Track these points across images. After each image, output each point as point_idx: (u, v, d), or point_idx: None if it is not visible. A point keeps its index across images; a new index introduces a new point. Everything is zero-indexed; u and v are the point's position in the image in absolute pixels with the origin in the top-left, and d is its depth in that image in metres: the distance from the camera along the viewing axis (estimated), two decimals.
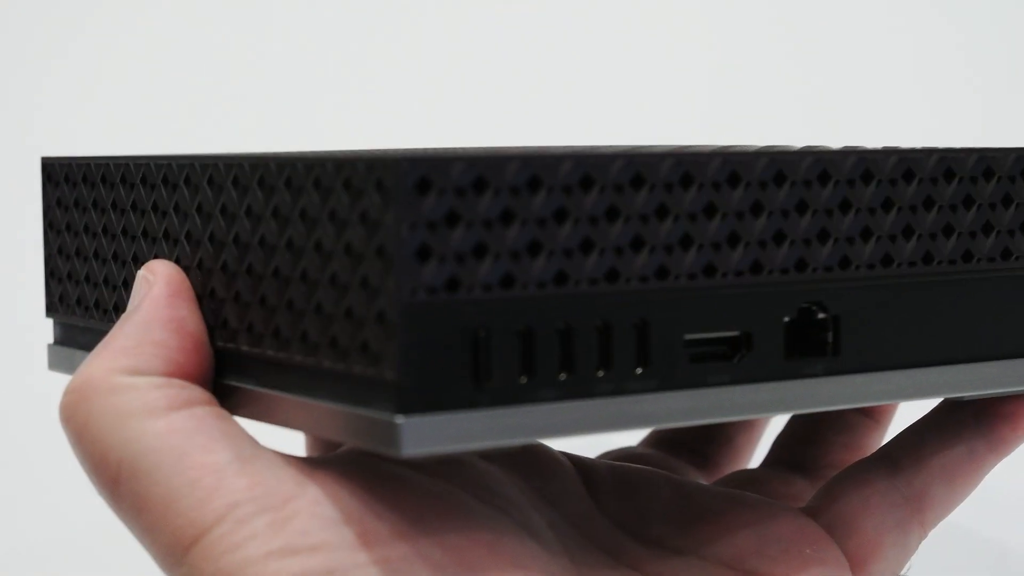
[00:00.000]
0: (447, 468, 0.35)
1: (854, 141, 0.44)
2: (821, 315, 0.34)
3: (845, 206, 0.34)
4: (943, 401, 0.39)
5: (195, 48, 0.66)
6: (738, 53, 0.67)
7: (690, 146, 0.36)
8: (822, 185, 0.34)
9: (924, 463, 0.38)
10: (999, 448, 0.38)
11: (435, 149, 0.40)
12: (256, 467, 0.32)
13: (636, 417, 0.32)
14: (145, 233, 0.37)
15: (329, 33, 0.66)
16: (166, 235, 0.36)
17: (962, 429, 0.38)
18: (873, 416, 0.43)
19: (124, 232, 0.37)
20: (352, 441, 0.31)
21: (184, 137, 0.65)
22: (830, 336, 0.34)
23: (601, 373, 0.31)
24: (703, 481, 0.43)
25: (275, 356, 0.33)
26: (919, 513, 0.38)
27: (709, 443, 0.45)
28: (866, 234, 0.34)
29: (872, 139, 0.48)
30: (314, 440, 0.43)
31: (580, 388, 0.31)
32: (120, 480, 0.32)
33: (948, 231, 0.35)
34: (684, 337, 0.32)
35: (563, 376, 0.31)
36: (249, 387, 0.34)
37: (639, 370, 0.32)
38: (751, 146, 0.35)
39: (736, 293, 0.33)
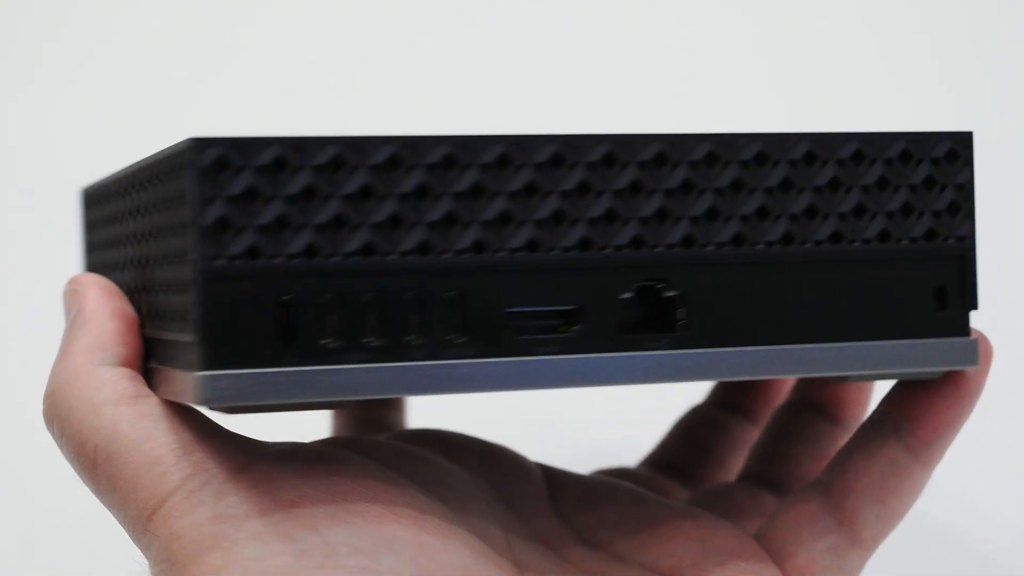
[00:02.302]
0: (401, 461, 0.38)
1: None
2: (667, 292, 0.35)
3: (687, 187, 0.35)
4: (867, 419, 0.39)
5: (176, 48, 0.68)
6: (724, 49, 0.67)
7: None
8: (658, 167, 0.35)
9: (851, 484, 0.38)
10: (922, 455, 0.38)
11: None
12: (208, 447, 0.35)
13: (450, 381, 0.34)
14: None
15: (319, 32, 0.68)
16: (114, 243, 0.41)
17: (883, 444, 0.38)
18: (840, 422, 0.43)
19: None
20: (185, 401, 0.34)
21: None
22: (673, 313, 0.35)
23: (417, 339, 0.34)
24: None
25: (161, 335, 0.36)
26: (853, 535, 0.38)
27: (700, 465, 0.46)
28: (712, 214, 0.35)
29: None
30: (343, 421, 0.47)
31: (393, 352, 0.33)
32: (97, 463, 0.36)
33: (810, 213, 0.36)
34: (508, 309, 0.34)
35: (374, 341, 0.33)
36: (153, 366, 0.37)
37: (459, 338, 0.34)
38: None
39: (567, 268, 0.35)
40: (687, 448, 0.46)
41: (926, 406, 0.38)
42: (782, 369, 0.36)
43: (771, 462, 0.44)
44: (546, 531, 0.39)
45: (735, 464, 0.46)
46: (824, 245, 0.36)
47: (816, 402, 0.43)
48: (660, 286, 0.35)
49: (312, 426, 0.44)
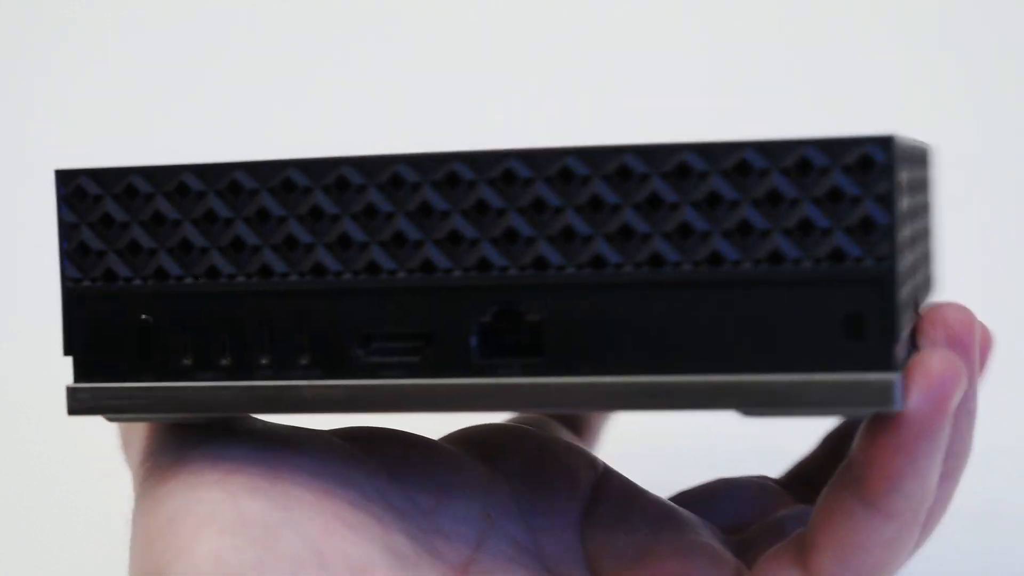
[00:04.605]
0: (374, 445, 0.38)
1: None
2: (523, 317, 0.33)
3: (539, 206, 0.33)
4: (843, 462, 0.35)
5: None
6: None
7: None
8: (507, 184, 0.33)
9: (815, 539, 0.35)
10: (882, 507, 0.33)
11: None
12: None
13: (295, 402, 0.34)
14: None
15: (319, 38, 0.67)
16: None
17: (840, 494, 0.34)
18: None
19: None
20: None
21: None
22: (529, 339, 0.33)
23: (265, 360, 0.34)
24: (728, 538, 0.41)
25: None
26: None
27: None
28: (568, 235, 0.33)
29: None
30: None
31: (242, 372, 0.35)
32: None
33: (683, 232, 0.32)
34: (355, 331, 0.34)
35: (225, 360, 0.35)
36: None
37: (303, 359, 0.34)
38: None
39: (412, 291, 0.34)
40: (827, 462, 0.42)
41: (874, 450, 0.33)
42: (647, 403, 0.33)
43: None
44: (553, 547, 0.38)
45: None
46: (702, 267, 0.33)
47: None
48: (514, 311, 0.33)
49: None
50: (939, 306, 0.36)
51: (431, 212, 0.34)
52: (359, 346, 0.34)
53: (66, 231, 0.35)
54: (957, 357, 0.33)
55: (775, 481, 0.42)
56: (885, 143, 0.32)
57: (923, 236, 0.39)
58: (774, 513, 0.40)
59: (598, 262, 0.33)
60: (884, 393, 0.32)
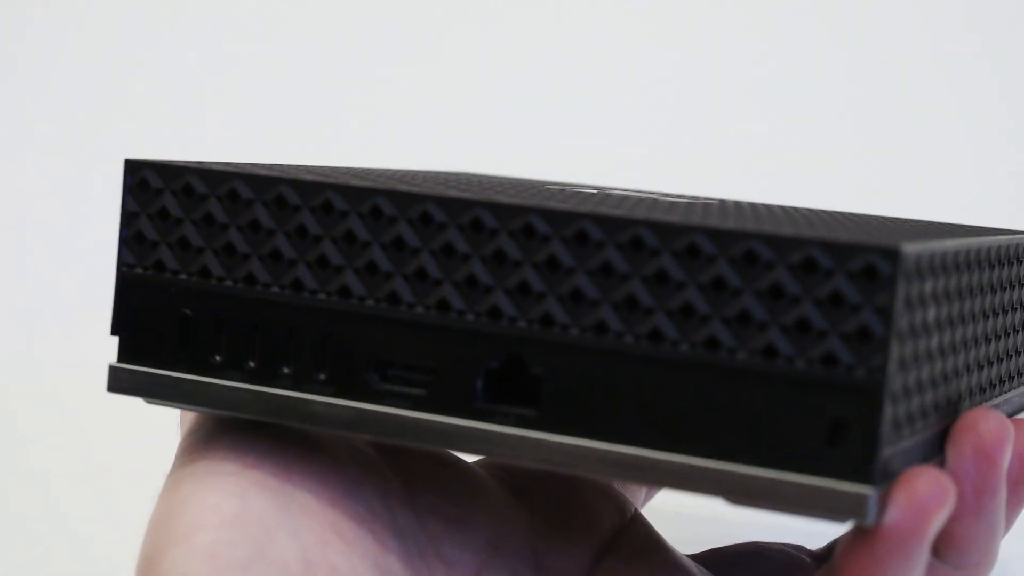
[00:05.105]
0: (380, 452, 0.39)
1: None
2: (530, 369, 0.34)
3: (552, 264, 0.33)
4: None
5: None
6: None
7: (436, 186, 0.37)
8: (527, 238, 0.34)
9: None
10: None
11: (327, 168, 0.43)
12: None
13: (305, 415, 0.35)
14: None
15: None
16: None
17: None
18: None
19: None
20: None
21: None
22: (531, 390, 0.34)
23: (287, 370, 0.36)
24: None
25: None
26: None
27: None
28: (577, 296, 0.33)
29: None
30: None
31: (265, 377, 0.36)
32: None
33: (686, 312, 0.32)
34: (369, 355, 0.35)
35: (252, 363, 0.36)
36: None
37: (321, 375, 0.35)
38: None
39: (427, 327, 0.34)
40: None
41: (850, 557, 0.33)
42: (634, 475, 0.33)
43: None
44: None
45: None
46: (698, 350, 0.32)
47: None
48: (519, 361, 0.34)
49: None
50: (980, 414, 0.35)
51: (453, 253, 0.34)
52: (373, 371, 0.35)
53: (127, 219, 0.37)
54: (948, 480, 0.32)
55: (810, 553, 0.42)
56: (891, 255, 0.31)
57: (982, 339, 0.38)
58: None
59: (601, 328, 0.33)
60: (857, 505, 0.31)
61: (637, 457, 0.33)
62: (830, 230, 0.34)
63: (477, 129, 0.71)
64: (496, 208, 0.34)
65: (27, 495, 0.65)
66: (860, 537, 0.32)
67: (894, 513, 0.32)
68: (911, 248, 0.32)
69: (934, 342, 0.34)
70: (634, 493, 0.44)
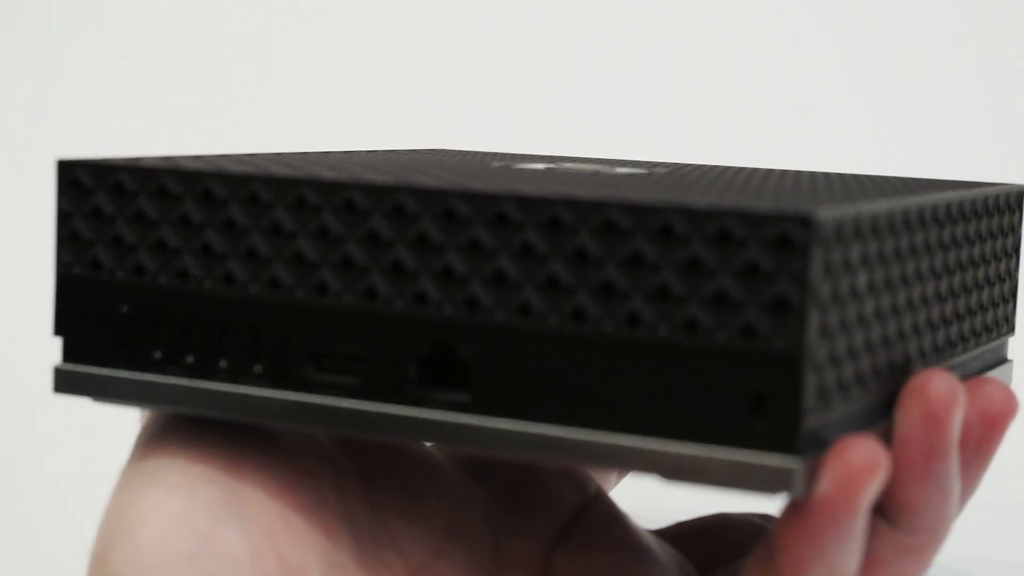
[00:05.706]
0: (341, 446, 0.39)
1: None
2: (458, 354, 0.33)
3: (474, 247, 0.33)
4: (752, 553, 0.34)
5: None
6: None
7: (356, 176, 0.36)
8: (448, 222, 0.33)
9: None
10: None
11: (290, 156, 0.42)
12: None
13: (244, 408, 0.35)
14: None
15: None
16: None
17: (750, 572, 0.33)
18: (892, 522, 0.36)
19: None
20: None
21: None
22: (461, 375, 0.34)
23: (224, 364, 0.36)
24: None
25: None
26: None
27: None
28: (501, 280, 0.33)
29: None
30: None
31: (204, 372, 0.36)
32: None
33: (607, 289, 0.32)
34: (302, 346, 0.35)
35: (190, 359, 0.36)
36: None
37: (257, 368, 0.35)
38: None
39: (360, 317, 0.34)
40: None
41: (785, 532, 0.32)
42: (565, 456, 0.33)
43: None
44: (513, 570, 0.38)
45: None
46: (621, 326, 0.32)
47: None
48: (448, 347, 0.34)
49: None
50: (928, 376, 0.34)
51: (377, 240, 0.34)
52: (307, 361, 0.35)
53: (62, 219, 0.37)
54: (881, 449, 0.32)
55: None
56: (804, 222, 0.31)
57: (936, 298, 0.37)
58: None
59: (525, 309, 0.33)
60: (784, 477, 0.31)
61: (567, 439, 0.33)
62: (749, 198, 0.34)
63: (476, 107, 0.71)
64: (417, 193, 0.34)
65: None
66: (794, 510, 0.32)
67: (824, 484, 0.31)
68: (826, 214, 0.31)
69: (868, 307, 0.34)
70: (602, 474, 0.44)
